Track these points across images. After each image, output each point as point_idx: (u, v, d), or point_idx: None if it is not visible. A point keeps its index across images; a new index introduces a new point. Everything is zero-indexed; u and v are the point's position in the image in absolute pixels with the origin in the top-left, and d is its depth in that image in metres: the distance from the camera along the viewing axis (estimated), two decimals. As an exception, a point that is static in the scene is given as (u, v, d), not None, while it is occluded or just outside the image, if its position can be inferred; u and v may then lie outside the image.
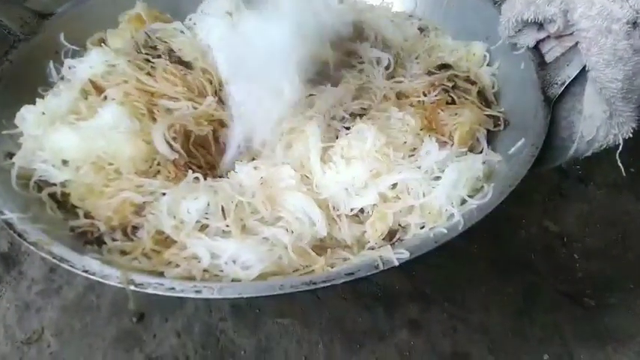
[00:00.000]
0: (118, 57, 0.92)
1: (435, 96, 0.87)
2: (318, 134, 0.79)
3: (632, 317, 0.95)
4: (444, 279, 0.98)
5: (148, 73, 0.90)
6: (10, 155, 0.81)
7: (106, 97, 0.87)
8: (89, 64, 0.93)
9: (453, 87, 0.89)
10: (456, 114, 0.83)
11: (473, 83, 0.91)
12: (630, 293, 0.98)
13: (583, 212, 1.11)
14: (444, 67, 0.94)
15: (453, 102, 0.87)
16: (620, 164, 0.75)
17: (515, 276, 1.00)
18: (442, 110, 0.83)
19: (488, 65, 0.96)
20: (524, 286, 0.99)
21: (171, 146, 0.78)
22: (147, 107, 0.85)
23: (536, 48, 0.86)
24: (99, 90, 0.88)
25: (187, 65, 0.93)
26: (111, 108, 0.83)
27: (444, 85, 0.88)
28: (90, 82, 0.89)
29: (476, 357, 0.90)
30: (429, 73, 0.93)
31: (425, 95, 0.89)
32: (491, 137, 0.86)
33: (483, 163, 0.76)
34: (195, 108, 0.87)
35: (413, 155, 0.79)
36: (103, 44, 0.99)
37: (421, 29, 1.07)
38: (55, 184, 0.79)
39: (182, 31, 0.99)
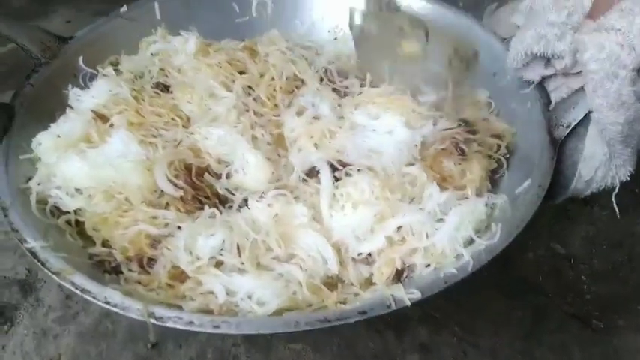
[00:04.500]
0: (120, 85, 0.94)
1: (443, 149, 0.85)
2: (329, 177, 0.80)
3: (640, 339, 0.95)
4: (454, 303, 0.98)
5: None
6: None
7: (112, 125, 0.88)
8: (92, 94, 0.95)
9: (473, 140, 0.87)
10: (461, 164, 0.83)
11: (500, 138, 0.90)
12: (638, 315, 0.98)
13: (589, 234, 1.11)
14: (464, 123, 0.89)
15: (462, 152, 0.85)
16: (615, 206, 0.78)
17: (524, 298, 1.00)
18: (443, 159, 0.83)
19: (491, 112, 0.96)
20: (533, 308, 0.99)
21: (175, 184, 0.79)
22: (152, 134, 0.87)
23: (540, 84, 0.88)
24: (103, 119, 0.90)
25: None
26: (120, 134, 0.84)
27: (455, 138, 0.86)
28: (93, 113, 0.90)
29: (485, 379, 0.91)
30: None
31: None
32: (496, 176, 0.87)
33: (486, 205, 0.77)
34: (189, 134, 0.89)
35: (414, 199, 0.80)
36: (111, 68, 1.01)
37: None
38: (68, 212, 0.80)
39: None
